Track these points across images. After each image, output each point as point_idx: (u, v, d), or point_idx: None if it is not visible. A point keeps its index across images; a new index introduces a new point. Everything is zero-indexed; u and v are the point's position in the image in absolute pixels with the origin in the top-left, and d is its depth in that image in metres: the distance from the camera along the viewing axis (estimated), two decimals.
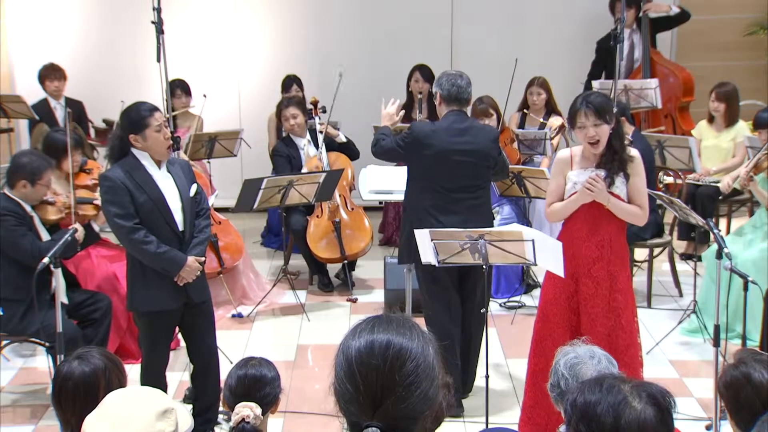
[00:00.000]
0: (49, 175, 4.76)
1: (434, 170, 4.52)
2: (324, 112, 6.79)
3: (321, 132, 6.62)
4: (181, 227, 4.14)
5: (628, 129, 5.99)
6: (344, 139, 6.67)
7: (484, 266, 4.02)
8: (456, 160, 4.49)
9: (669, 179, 6.48)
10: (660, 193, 5.65)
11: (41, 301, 4.43)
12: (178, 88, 7.25)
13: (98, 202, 5.07)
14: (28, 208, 4.73)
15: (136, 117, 4.06)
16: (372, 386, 1.64)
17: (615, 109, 4.11)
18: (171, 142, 4.13)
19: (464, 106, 4.59)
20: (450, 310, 4.54)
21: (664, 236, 6.21)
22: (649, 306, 6.15)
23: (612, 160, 4.03)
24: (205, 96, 6.88)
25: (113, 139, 4.18)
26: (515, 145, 6.61)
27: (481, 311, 4.40)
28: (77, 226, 4.70)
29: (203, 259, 4.20)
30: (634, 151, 4.11)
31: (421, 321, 4.58)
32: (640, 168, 4.08)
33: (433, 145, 4.50)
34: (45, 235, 4.77)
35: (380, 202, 6.98)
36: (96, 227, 5.02)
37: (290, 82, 7.58)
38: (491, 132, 4.74)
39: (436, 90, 4.59)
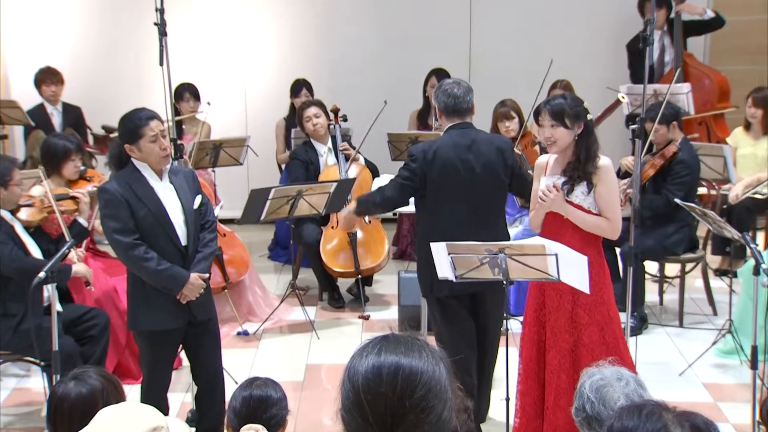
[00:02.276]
0: (18, 174, 4.79)
1: (443, 194, 4.43)
2: (345, 120, 6.83)
3: (343, 152, 6.65)
4: (183, 242, 4.15)
5: (678, 135, 6.00)
6: (363, 164, 6.76)
7: (505, 282, 4.02)
8: (466, 179, 4.42)
9: (702, 190, 6.45)
10: (693, 204, 5.63)
11: (35, 315, 4.45)
12: (187, 92, 7.34)
13: (74, 193, 5.10)
14: (7, 216, 4.75)
15: (130, 126, 4.06)
16: (382, 415, 1.62)
17: (590, 117, 4.19)
18: (168, 153, 4.10)
19: (466, 117, 4.51)
20: (465, 336, 4.54)
21: (697, 251, 6.17)
22: (681, 325, 6.11)
23: (575, 168, 4.13)
24: (209, 104, 6.90)
25: (113, 147, 4.20)
26: (537, 147, 6.62)
27: (500, 329, 4.40)
28: (78, 255, 4.72)
29: (207, 275, 4.19)
30: (603, 161, 4.16)
31: (432, 340, 4.58)
32: (607, 177, 4.15)
33: (438, 167, 4.41)
34: (28, 240, 4.79)
35: (394, 213, 6.99)
36: (83, 222, 5.05)
37: (300, 86, 7.61)
38: (500, 141, 4.66)
39: (434, 103, 4.54)
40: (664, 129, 5.93)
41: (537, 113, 4.23)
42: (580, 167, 4.12)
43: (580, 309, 4.14)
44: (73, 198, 5.10)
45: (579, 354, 4.12)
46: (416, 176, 4.46)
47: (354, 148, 6.73)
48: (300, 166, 6.71)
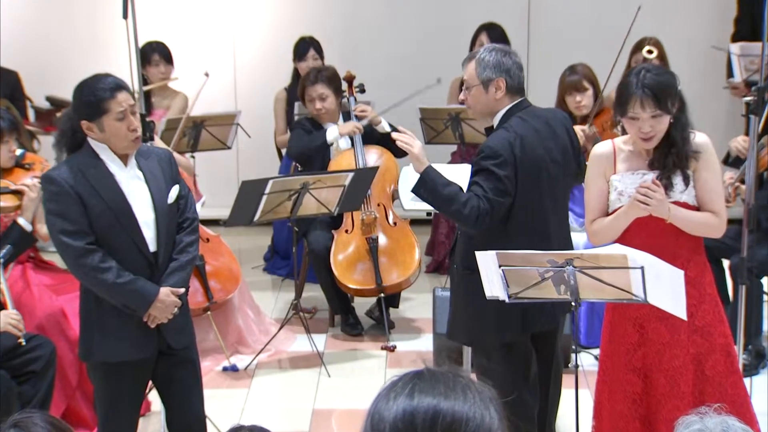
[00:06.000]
0: None
1: (526, 194, 4.36)
2: (362, 92, 6.82)
3: (358, 117, 6.64)
4: (152, 247, 4.16)
5: None
6: (388, 129, 6.66)
7: (573, 303, 4.02)
8: (551, 172, 4.42)
9: None
10: None
11: None
12: (156, 53, 7.33)
13: (16, 187, 5.10)
14: None
15: (91, 98, 4.06)
16: None
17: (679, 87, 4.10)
18: (139, 135, 4.10)
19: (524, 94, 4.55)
20: (529, 380, 4.55)
21: None
22: None
23: (667, 155, 4.07)
24: (207, 75, 6.74)
25: (65, 121, 4.21)
26: (618, 129, 6.60)
27: (569, 366, 4.40)
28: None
29: (182, 290, 4.19)
30: (700, 138, 4.12)
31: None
32: (710, 159, 4.12)
33: (528, 164, 4.34)
34: None
35: (428, 214, 6.99)
36: (27, 225, 5.05)
37: (306, 46, 7.62)
38: (562, 116, 4.71)
39: (500, 77, 4.41)
40: None
41: (624, 102, 4.03)
42: (674, 151, 4.06)
43: (697, 336, 4.12)
44: (16, 192, 5.11)
45: (702, 390, 4.09)
46: (509, 190, 4.29)
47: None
48: (303, 135, 6.66)
